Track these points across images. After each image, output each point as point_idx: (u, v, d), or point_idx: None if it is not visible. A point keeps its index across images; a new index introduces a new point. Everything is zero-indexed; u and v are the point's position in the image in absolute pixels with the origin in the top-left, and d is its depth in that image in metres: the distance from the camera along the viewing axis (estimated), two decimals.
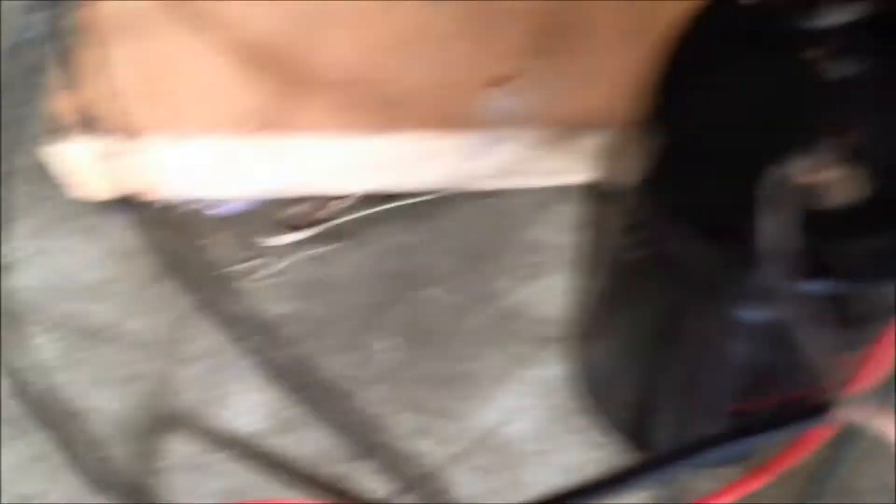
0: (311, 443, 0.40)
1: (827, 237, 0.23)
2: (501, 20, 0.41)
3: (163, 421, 0.41)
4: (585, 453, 0.41)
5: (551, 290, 0.43)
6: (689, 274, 0.25)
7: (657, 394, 0.37)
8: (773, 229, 0.21)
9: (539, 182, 0.43)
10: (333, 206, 0.45)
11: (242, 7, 0.42)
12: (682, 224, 0.24)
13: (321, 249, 0.44)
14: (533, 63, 0.40)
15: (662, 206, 0.24)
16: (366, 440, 0.41)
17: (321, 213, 0.45)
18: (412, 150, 0.41)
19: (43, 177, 0.44)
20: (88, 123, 0.39)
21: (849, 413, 0.21)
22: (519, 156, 0.41)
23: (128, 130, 0.40)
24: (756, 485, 0.36)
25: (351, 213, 0.45)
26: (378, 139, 0.40)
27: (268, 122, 0.39)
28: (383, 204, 0.45)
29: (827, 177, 0.24)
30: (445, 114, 0.40)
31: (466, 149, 0.40)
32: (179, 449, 0.41)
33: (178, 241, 0.44)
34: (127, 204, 0.44)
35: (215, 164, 0.41)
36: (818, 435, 0.34)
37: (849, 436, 0.37)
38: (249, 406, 0.42)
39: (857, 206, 0.24)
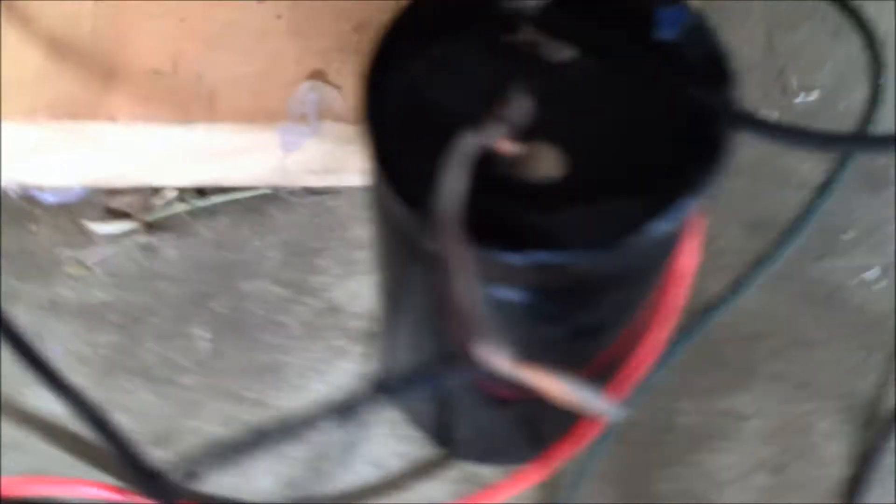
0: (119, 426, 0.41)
1: (522, 209, 0.24)
2: (322, 15, 0.42)
3: None
4: (390, 446, 0.42)
5: (372, 287, 0.44)
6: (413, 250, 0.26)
7: (447, 397, 0.38)
8: (450, 192, 0.22)
9: (360, 181, 0.44)
10: (160, 198, 0.46)
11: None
12: (391, 194, 0.25)
13: (147, 239, 0.45)
14: (352, 59, 0.41)
15: (382, 183, 0.25)
16: (175, 425, 0.41)
17: (147, 204, 0.45)
18: (231, 141, 0.42)
19: None
20: None
21: (489, 360, 0.22)
22: (337, 152, 0.42)
23: None
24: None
25: (177, 206, 0.46)
26: (195, 130, 0.41)
27: (80, 110, 0.40)
28: (209, 198, 0.46)
29: (521, 152, 0.25)
30: (263, 106, 0.41)
31: (284, 142, 0.41)
32: None
33: (7, 228, 0.45)
34: None
35: (37, 150, 0.42)
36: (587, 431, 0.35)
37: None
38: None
39: (552, 182, 0.25)
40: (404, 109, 0.26)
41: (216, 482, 0.39)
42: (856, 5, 0.44)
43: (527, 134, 0.25)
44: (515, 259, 0.24)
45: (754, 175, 0.47)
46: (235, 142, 0.42)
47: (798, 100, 0.49)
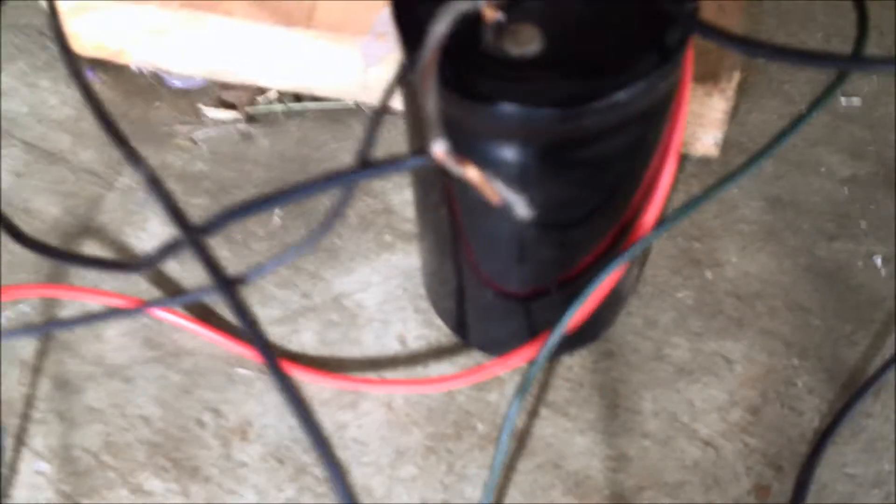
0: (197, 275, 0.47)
1: (500, 70, 0.30)
2: None
3: (88, 229, 0.49)
4: (419, 329, 0.47)
5: None
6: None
7: (460, 282, 0.43)
8: (435, 34, 0.27)
9: None
10: (263, 98, 0.52)
11: None
12: (401, 41, 0.30)
13: (246, 128, 0.52)
14: None
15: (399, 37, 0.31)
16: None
17: (251, 101, 0.52)
18: (323, 50, 0.48)
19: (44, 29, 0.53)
20: None
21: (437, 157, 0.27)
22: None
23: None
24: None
25: (275, 106, 0.53)
26: (294, 34, 0.48)
27: (205, 3, 0.47)
28: (302, 103, 0.52)
29: (512, 30, 0.30)
30: (352, 21, 0.47)
31: (365, 55, 0.47)
32: (96, 252, 0.48)
33: (137, 101, 0.53)
34: (102, 64, 0.52)
35: (167, 34, 0.49)
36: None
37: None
38: (159, 234, 0.49)
39: (534, 55, 0.30)
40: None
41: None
42: None
43: (512, 14, 0.30)
44: (492, 108, 0.29)
45: (785, 160, 0.51)
46: (326, 51, 0.48)
47: (843, 103, 0.53)
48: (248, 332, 0.28)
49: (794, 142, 0.51)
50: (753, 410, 0.44)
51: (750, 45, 0.30)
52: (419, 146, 0.33)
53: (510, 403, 0.40)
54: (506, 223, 0.36)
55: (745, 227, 0.49)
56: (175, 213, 0.29)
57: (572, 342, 0.45)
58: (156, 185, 0.29)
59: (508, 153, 0.32)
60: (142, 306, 0.36)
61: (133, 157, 0.29)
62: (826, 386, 0.45)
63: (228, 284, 0.29)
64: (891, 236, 0.48)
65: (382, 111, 0.32)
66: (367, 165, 0.28)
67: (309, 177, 0.27)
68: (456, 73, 0.30)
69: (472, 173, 0.27)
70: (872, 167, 0.50)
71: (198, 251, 0.29)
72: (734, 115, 0.52)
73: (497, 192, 0.27)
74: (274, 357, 0.27)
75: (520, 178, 0.33)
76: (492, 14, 0.30)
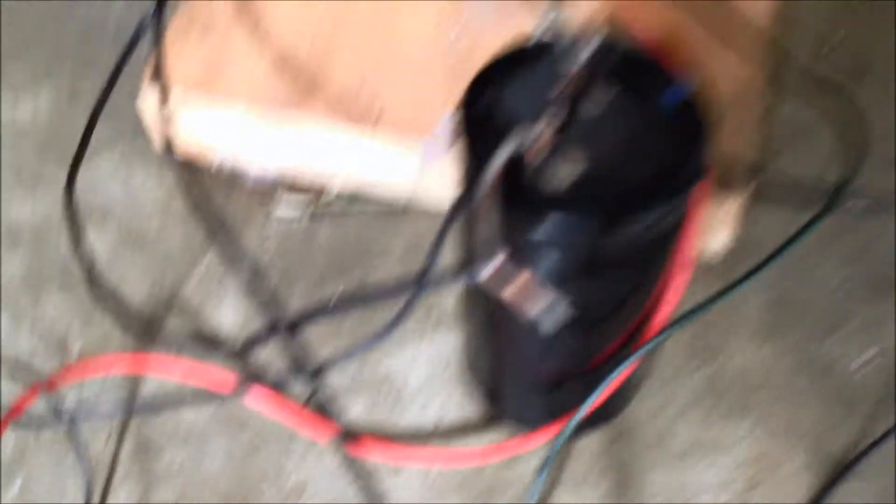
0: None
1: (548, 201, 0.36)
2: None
3: (170, 305, 0.57)
4: (457, 405, 0.53)
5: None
6: None
7: (497, 365, 0.50)
8: (493, 166, 0.34)
9: None
10: (323, 199, 0.60)
11: (287, 8, 0.58)
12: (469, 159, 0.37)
13: (309, 226, 0.59)
14: None
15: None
16: (300, 354, 0.55)
17: (313, 202, 0.59)
18: (386, 151, 0.55)
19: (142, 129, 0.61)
20: (166, 94, 0.55)
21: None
22: None
23: (198, 89, 0.56)
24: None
25: (334, 206, 0.60)
26: (362, 136, 0.55)
27: (285, 105, 0.55)
28: (357, 205, 0.59)
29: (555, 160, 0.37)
30: (417, 125, 0.54)
31: (425, 153, 0.54)
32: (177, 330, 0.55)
33: (218, 192, 0.60)
34: (190, 161, 0.60)
35: (249, 131, 0.57)
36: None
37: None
38: (233, 311, 0.56)
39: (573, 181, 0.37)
40: (483, 116, 0.38)
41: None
42: None
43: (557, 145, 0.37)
44: (532, 224, 0.36)
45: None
46: (388, 150, 0.55)
47: None
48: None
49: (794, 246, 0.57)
50: (751, 486, 0.50)
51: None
52: (466, 266, 0.40)
53: (533, 479, 0.46)
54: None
55: (748, 324, 0.55)
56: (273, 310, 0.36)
57: (590, 424, 0.51)
58: (258, 280, 0.36)
59: (546, 261, 0.39)
60: (234, 391, 0.43)
61: (238, 253, 0.36)
62: (817, 470, 0.50)
63: (317, 373, 0.36)
64: (879, 336, 0.54)
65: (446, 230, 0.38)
66: (430, 282, 0.34)
67: (379, 286, 0.33)
68: (507, 192, 0.36)
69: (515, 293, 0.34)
70: (865, 273, 0.56)
71: (290, 345, 0.35)
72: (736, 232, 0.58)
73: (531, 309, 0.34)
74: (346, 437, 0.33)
75: (548, 279, 0.40)
76: (534, 156, 0.36)
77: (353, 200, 0.60)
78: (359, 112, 0.56)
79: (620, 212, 0.37)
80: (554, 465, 0.51)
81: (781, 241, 0.46)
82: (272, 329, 0.35)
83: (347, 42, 0.58)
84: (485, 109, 0.39)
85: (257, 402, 0.52)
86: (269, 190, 0.60)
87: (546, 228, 0.37)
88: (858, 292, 0.56)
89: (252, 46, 0.58)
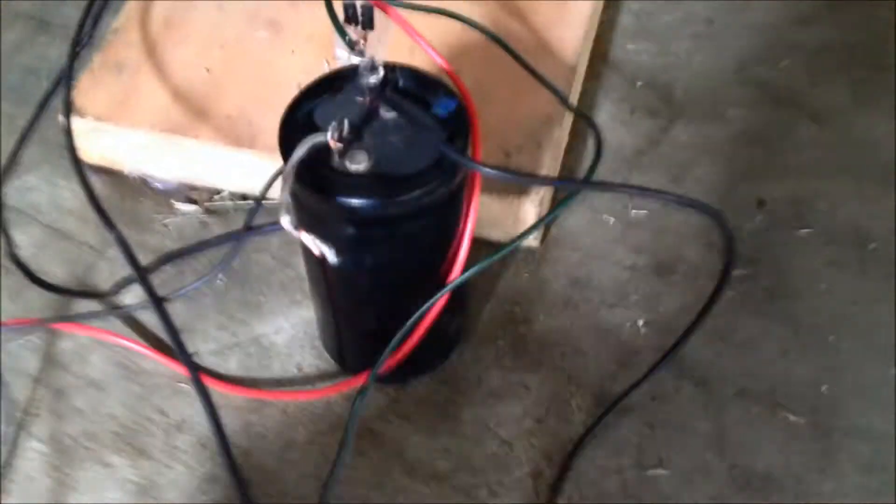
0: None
1: (339, 178, 0.50)
2: None
3: (84, 285, 0.69)
4: (317, 358, 0.66)
5: None
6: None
7: (335, 324, 0.62)
8: (295, 158, 0.48)
9: None
10: (218, 196, 0.73)
11: (186, 52, 0.72)
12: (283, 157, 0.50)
13: (204, 218, 0.72)
14: None
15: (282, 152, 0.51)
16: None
17: (210, 198, 0.73)
18: (261, 165, 0.69)
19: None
20: (81, 109, 0.69)
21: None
22: None
23: (109, 119, 0.69)
24: None
25: (227, 203, 0.73)
26: (242, 154, 0.68)
27: (179, 129, 0.68)
28: (246, 202, 0.73)
29: (349, 153, 0.50)
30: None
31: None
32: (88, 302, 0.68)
33: (128, 196, 0.73)
34: (104, 170, 0.73)
35: (151, 151, 0.70)
36: None
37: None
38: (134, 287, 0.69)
39: (363, 171, 0.50)
40: (299, 125, 0.52)
41: None
42: None
43: (351, 142, 0.50)
44: (334, 201, 0.49)
45: (587, 254, 0.70)
46: (263, 165, 0.69)
47: (633, 214, 0.72)
48: (177, 349, 0.47)
49: (593, 240, 0.71)
50: (539, 420, 0.63)
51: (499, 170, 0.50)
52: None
53: (353, 409, 0.58)
54: (350, 277, 0.56)
55: (552, 297, 0.68)
56: (132, 259, 0.48)
57: (417, 370, 0.64)
58: (124, 246, 0.48)
59: (348, 229, 0.52)
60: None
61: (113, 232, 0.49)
62: (592, 406, 0.63)
63: (160, 302, 0.49)
64: (652, 308, 0.67)
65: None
66: (249, 230, 0.48)
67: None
68: (314, 180, 0.50)
69: (303, 236, 0.47)
70: (648, 259, 0.70)
71: (145, 286, 0.48)
72: (552, 219, 0.72)
73: (316, 246, 0.47)
74: (196, 370, 0.46)
75: (353, 244, 0.53)
76: (335, 144, 0.50)
77: (242, 199, 0.73)
78: (237, 135, 0.69)
79: (397, 189, 0.50)
80: (387, 402, 0.63)
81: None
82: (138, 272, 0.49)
83: (233, 79, 0.72)
84: (302, 118, 0.53)
85: (137, 348, 0.65)
86: (171, 192, 0.73)
87: (338, 206, 0.50)
88: (642, 275, 0.69)
89: (155, 83, 0.72)
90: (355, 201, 0.50)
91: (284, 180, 0.50)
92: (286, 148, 0.51)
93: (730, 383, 0.64)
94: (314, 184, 0.50)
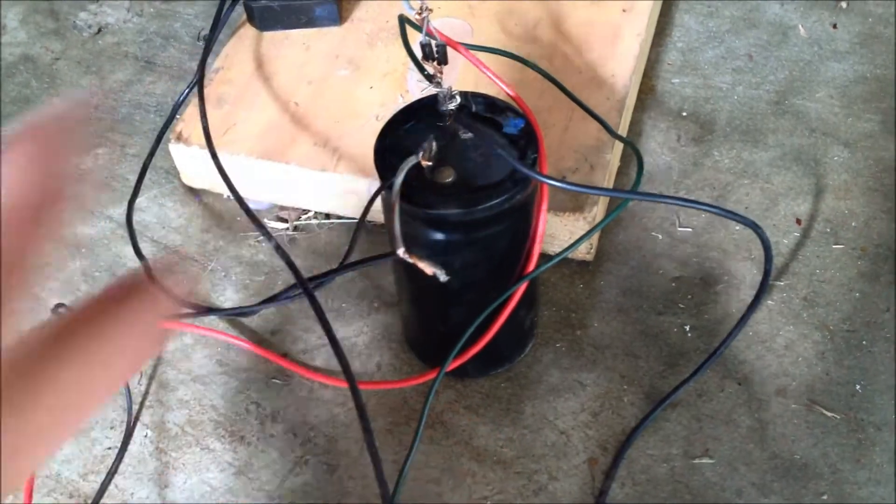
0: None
1: (432, 191, 0.55)
2: None
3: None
4: (393, 358, 0.71)
5: None
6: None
7: (419, 323, 0.68)
8: (398, 178, 0.53)
9: None
10: (304, 215, 0.79)
11: (277, 86, 0.79)
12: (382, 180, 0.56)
13: (292, 235, 0.78)
14: None
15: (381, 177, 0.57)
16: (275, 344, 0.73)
17: (298, 217, 0.79)
18: (344, 186, 0.75)
19: (171, 167, 0.81)
20: (187, 139, 0.76)
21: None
22: None
23: (208, 148, 0.76)
24: None
25: (312, 221, 0.79)
26: (325, 175, 0.75)
27: (273, 155, 0.75)
28: (329, 220, 0.79)
29: (437, 170, 0.56)
30: (362, 168, 0.74)
31: (368, 189, 0.74)
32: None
33: (226, 215, 0.80)
34: (205, 191, 0.80)
35: (247, 175, 0.77)
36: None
37: None
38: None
39: (448, 184, 0.56)
40: (391, 148, 0.58)
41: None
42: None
43: (438, 160, 0.56)
44: (426, 211, 0.55)
45: (635, 267, 0.75)
46: (346, 186, 0.75)
47: (679, 231, 0.77)
48: (330, 338, 0.53)
49: (643, 254, 0.75)
50: (594, 414, 0.67)
51: (562, 182, 0.56)
52: (390, 248, 0.59)
53: (426, 401, 0.63)
54: (438, 283, 0.61)
55: (605, 305, 0.73)
56: (293, 268, 0.55)
57: (486, 368, 0.69)
58: (280, 251, 0.55)
59: (439, 235, 0.58)
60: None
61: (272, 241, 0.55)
62: (643, 402, 0.67)
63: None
64: (698, 315, 0.72)
65: (361, 225, 0.58)
66: (359, 262, 0.53)
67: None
68: (409, 193, 0.56)
69: (414, 260, 0.53)
70: (693, 272, 0.74)
71: (312, 302, 0.54)
72: (604, 234, 0.77)
73: (430, 268, 0.53)
74: (354, 381, 0.51)
75: (443, 249, 0.58)
76: (426, 163, 0.56)
77: (326, 218, 0.79)
78: (323, 161, 0.76)
79: (480, 198, 0.56)
80: (457, 396, 0.68)
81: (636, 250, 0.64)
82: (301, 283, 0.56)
83: (318, 111, 0.79)
84: (392, 143, 0.59)
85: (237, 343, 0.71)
86: (264, 212, 0.80)
87: (432, 215, 0.56)
88: (688, 285, 0.74)
89: (250, 115, 0.79)
90: (446, 210, 0.55)
91: (392, 210, 0.55)
92: (381, 168, 0.57)
93: (769, 382, 0.68)
94: (410, 198, 0.56)
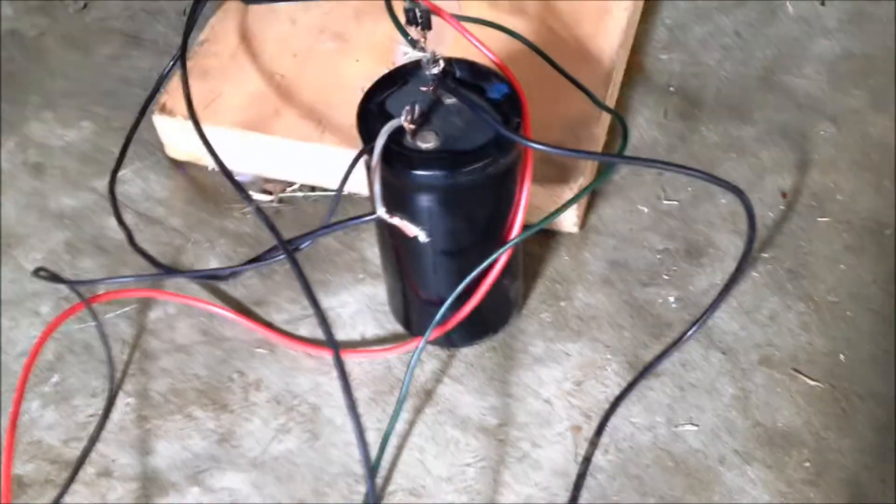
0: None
1: (414, 155, 0.55)
2: None
3: (175, 261, 0.74)
4: (378, 328, 0.70)
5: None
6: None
7: (403, 291, 0.67)
8: (380, 141, 0.53)
9: None
10: (290, 188, 0.79)
11: (262, 60, 0.78)
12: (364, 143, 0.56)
13: (277, 207, 0.78)
14: None
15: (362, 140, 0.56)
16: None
17: (283, 189, 0.78)
18: (328, 157, 0.74)
19: (156, 140, 0.81)
20: (171, 110, 0.75)
21: None
22: None
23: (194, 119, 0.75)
24: None
25: (297, 193, 0.79)
26: (310, 147, 0.74)
27: (258, 127, 0.74)
28: (314, 193, 0.78)
29: (420, 134, 0.55)
30: (350, 138, 0.73)
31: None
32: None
33: (210, 187, 0.79)
34: (190, 164, 0.79)
35: (232, 147, 0.76)
36: None
37: None
38: (214, 264, 0.74)
39: (433, 148, 0.56)
40: (374, 113, 0.57)
41: None
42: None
43: (421, 124, 0.56)
44: (409, 175, 0.54)
45: (622, 239, 0.74)
46: (331, 157, 0.74)
47: (665, 204, 0.77)
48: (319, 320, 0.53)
49: (629, 227, 0.75)
50: (577, 383, 0.67)
51: (547, 146, 0.55)
52: (372, 209, 0.58)
53: (409, 371, 0.62)
54: (422, 248, 0.61)
55: (590, 277, 0.73)
56: (273, 230, 0.54)
57: (471, 338, 0.69)
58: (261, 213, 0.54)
59: (422, 200, 0.57)
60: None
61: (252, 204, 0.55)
62: (627, 372, 0.67)
63: (290, 251, 0.54)
64: (683, 286, 0.71)
65: (341, 189, 0.57)
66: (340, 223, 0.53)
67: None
68: (392, 157, 0.55)
69: (395, 220, 0.52)
70: (679, 244, 0.74)
71: (292, 262, 0.53)
72: (591, 208, 0.76)
73: (410, 229, 0.53)
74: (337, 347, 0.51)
75: (426, 214, 0.58)
76: (409, 126, 0.55)
77: (311, 190, 0.79)
78: (307, 130, 0.75)
79: (462, 162, 0.56)
80: (441, 365, 0.68)
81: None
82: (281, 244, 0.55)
83: (303, 84, 0.78)
84: (375, 107, 0.58)
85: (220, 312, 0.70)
86: (248, 184, 0.79)
87: (413, 178, 0.56)
88: (673, 258, 0.73)
89: (235, 88, 0.78)
90: (429, 173, 0.55)
91: (374, 169, 0.55)
92: (364, 131, 0.57)
93: (753, 352, 0.67)
94: (392, 162, 0.55)
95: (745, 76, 0.85)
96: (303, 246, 0.68)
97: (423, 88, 0.58)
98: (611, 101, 0.80)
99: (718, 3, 0.91)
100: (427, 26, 0.59)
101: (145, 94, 0.84)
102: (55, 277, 0.72)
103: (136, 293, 0.73)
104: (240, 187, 0.64)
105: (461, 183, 0.57)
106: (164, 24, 0.93)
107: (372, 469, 0.59)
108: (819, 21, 0.89)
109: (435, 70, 0.58)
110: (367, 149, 0.56)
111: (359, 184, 0.68)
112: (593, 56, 0.80)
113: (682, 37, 0.89)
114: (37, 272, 0.72)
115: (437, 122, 0.57)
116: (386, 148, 0.55)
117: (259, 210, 0.58)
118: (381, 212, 0.55)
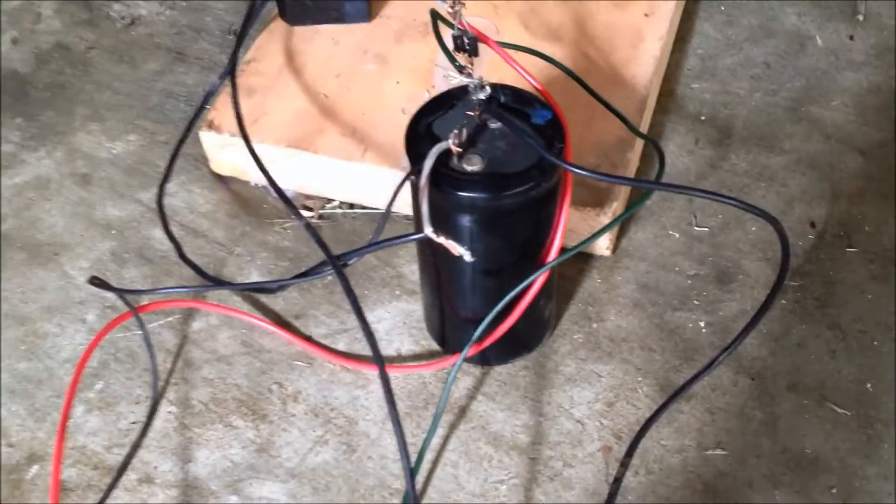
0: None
1: (462, 177, 0.56)
2: None
3: (217, 272, 0.76)
4: (413, 344, 0.72)
5: None
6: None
7: (441, 308, 0.69)
8: (428, 162, 0.54)
9: None
10: (329, 204, 0.80)
11: (306, 79, 0.80)
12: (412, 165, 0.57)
13: (317, 223, 0.80)
14: None
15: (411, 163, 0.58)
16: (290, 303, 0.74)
17: (322, 206, 0.80)
18: (371, 176, 0.76)
19: (200, 154, 0.83)
20: (218, 126, 0.77)
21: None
22: None
23: (244, 136, 0.77)
24: None
25: (336, 210, 0.80)
26: (352, 166, 0.76)
27: (301, 144, 0.76)
28: (353, 210, 0.80)
29: (466, 157, 0.57)
30: (390, 158, 0.75)
31: (395, 181, 0.75)
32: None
33: (253, 202, 0.81)
34: (233, 179, 0.81)
35: (274, 163, 0.78)
36: None
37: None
38: (256, 277, 0.76)
39: (478, 170, 0.57)
40: (422, 135, 0.59)
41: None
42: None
43: (467, 148, 0.57)
44: (455, 196, 0.56)
45: (653, 263, 0.76)
46: (372, 176, 0.76)
47: (696, 230, 0.78)
48: (367, 336, 0.54)
49: (660, 252, 0.76)
50: (609, 404, 0.68)
51: (591, 172, 0.57)
52: (417, 228, 0.60)
53: (446, 388, 0.64)
54: (462, 267, 0.62)
55: (621, 299, 0.74)
56: (322, 245, 0.56)
57: (506, 356, 0.70)
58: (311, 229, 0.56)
59: (465, 220, 0.59)
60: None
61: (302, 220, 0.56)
62: (657, 394, 0.68)
63: (339, 266, 0.55)
64: (713, 311, 0.73)
65: (390, 208, 0.59)
66: (387, 241, 0.54)
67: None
68: (439, 178, 0.57)
69: (441, 240, 0.54)
70: (709, 270, 0.75)
71: (340, 277, 0.55)
72: (622, 232, 0.78)
73: (455, 248, 0.54)
74: (382, 362, 0.53)
75: (468, 234, 0.59)
76: (456, 149, 0.57)
77: (350, 207, 0.80)
78: (350, 149, 0.77)
79: (507, 184, 0.57)
80: (476, 382, 0.69)
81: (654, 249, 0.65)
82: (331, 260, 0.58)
83: (346, 103, 0.80)
84: (423, 129, 0.60)
85: (260, 324, 0.72)
86: (290, 199, 0.81)
87: (459, 200, 0.57)
88: (704, 283, 0.74)
89: (280, 105, 0.80)
90: (475, 195, 0.57)
91: (422, 189, 0.56)
92: (412, 152, 0.58)
93: (781, 378, 0.68)
94: (439, 183, 0.57)
95: (775, 106, 0.86)
96: (350, 262, 0.70)
97: (469, 113, 0.60)
98: (644, 128, 0.82)
99: (749, 35, 0.93)
100: (474, 53, 0.61)
101: (190, 108, 0.87)
102: (107, 286, 0.74)
103: (181, 303, 0.74)
104: (290, 203, 0.66)
105: (505, 205, 0.58)
106: (209, 41, 0.95)
107: (411, 471, 0.59)
108: (847, 54, 0.90)
109: (481, 95, 0.59)
110: (416, 170, 0.58)
111: (400, 205, 0.70)
112: (627, 83, 0.81)
113: (713, 66, 0.90)
114: (91, 280, 0.74)
115: (481, 146, 0.59)
116: (433, 169, 0.57)
117: (309, 226, 0.60)
118: (429, 231, 0.56)
